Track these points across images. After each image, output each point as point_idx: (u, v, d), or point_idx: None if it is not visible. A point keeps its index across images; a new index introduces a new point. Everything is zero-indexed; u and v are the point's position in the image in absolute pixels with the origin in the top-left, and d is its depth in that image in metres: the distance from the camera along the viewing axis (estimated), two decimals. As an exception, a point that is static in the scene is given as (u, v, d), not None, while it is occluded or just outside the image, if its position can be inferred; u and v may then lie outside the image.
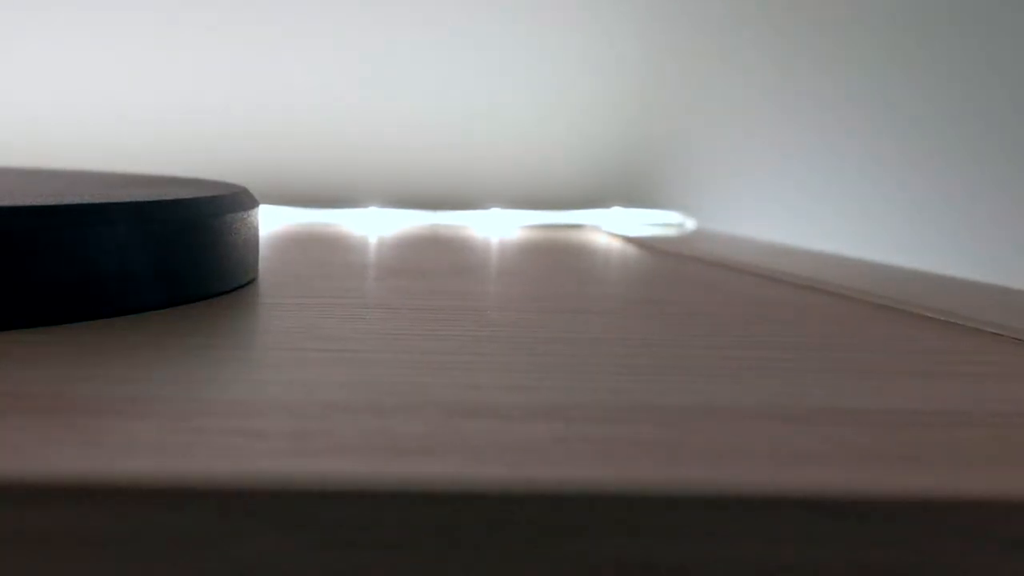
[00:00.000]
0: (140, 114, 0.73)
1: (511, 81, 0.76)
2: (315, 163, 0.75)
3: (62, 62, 0.73)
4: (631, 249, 0.58)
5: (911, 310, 0.36)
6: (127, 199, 0.31)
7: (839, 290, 0.40)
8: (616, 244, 0.62)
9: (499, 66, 0.76)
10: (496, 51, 0.76)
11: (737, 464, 0.18)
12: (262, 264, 0.45)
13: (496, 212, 0.72)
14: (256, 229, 0.38)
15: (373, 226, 0.68)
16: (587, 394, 0.22)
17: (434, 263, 0.48)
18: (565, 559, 0.16)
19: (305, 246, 0.56)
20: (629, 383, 0.24)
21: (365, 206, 0.72)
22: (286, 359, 0.24)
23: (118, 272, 0.29)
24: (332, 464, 0.17)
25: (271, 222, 0.68)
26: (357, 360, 0.24)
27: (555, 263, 0.51)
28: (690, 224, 0.74)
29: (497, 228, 0.70)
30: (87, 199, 0.30)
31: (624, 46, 0.77)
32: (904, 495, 0.17)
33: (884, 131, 0.80)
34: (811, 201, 0.80)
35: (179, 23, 0.74)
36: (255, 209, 0.38)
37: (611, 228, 0.71)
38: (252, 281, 0.38)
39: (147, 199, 0.31)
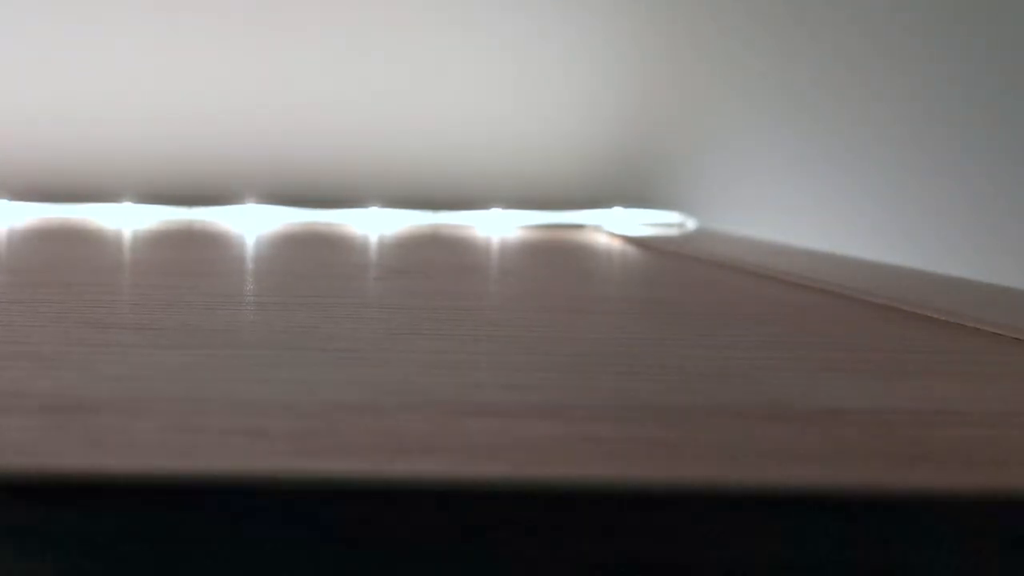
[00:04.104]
0: (140, 114, 0.73)
1: (511, 82, 0.76)
2: (315, 163, 0.75)
3: (61, 62, 0.73)
4: (631, 249, 0.58)
5: (911, 310, 0.36)
6: None
7: (839, 290, 0.40)
8: (616, 244, 0.62)
9: (499, 66, 0.76)
10: (497, 52, 0.76)
11: (737, 464, 0.18)
12: (264, 264, 0.45)
13: (497, 212, 0.72)
14: None
15: (373, 226, 0.68)
16: (587, 394, 0.22)
17: (435, 263, 0.48)
18: (565, 558, 0.16)
19: (305, 246, 0.56)
20: (629, 383, 0.24)
21: (366, 206, 0.72)
22: (286, 359, 0.24)
23: None
24: (333, 464, 0.17)
25: (271, 222, 0.68)
26: (357, 360, 0.24)
27: (555, 263, 0.51)
28: (690, 224, 0.74)
29: (498, 228, 0.70)
30: None
31: (625, 47, 0.77)
32: (904, 495, 0.17)
33: (884, 132, 0.80)
34: (811, 201, 0.80)
35: (179, 23, 0.74)
36: None
37: (612, 228, 0.71)
38: None
39: None
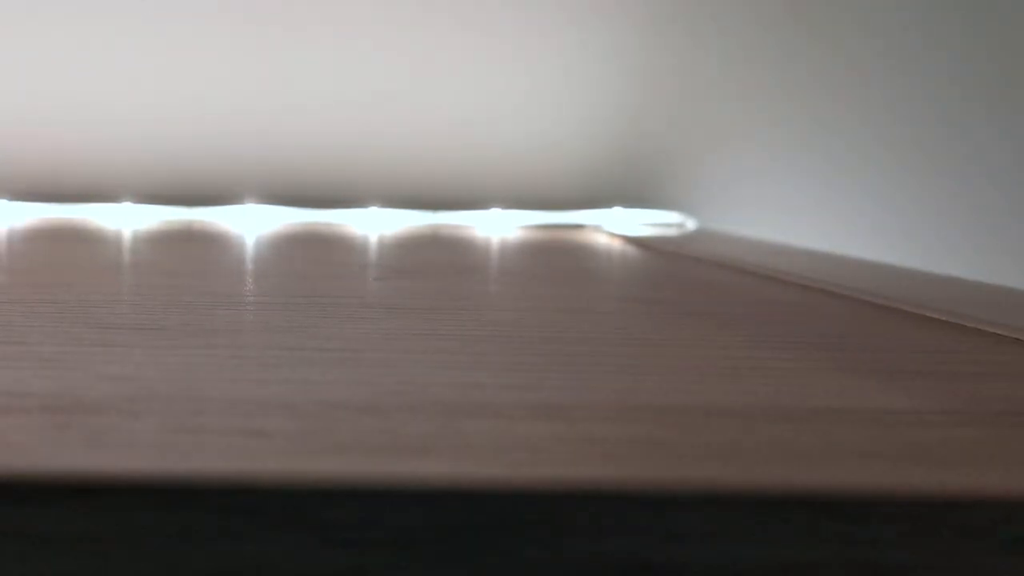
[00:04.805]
0: (140, 114, 0.73)
1: (512, 82, 0.76)
2: (315, 163, 0.75)
3: (61, 62, 0.73)
4: (631, 249, 0.58)
5: (911, 310, 0.36)
6: None
7: (839, 290, 0.40)
8: (616, 244, 0.62)
9: (500, 67, 0.76)
10: (497, 52, 0.76)
11: (737, 464, 0.18)
12: (264, 264, 0.45)
13: (496, 212, 0.72)
14: None
15: (373, 226, 0.68)
16: (587, 394, 0.22)
17: (435, 263, 0.48)
18: (565, 559, 0.16)
19: (305, 246, 0.56)
20: (629, 383, 0.24)
21: (366, 206, 0.72)
22: (286, 359, 0.24)
23: None
24: (332, 464, 0.17)
25: (271, 222, 0.68)
26: (357, 360, 0.24)
27: (555, 263, 0.51)
28: (690, 224, 0.74)
29: (497, 228, 0.70)
30: None
31: (625, 47, 0.77)
32: (904, 495, 0.17)
33: (884, 132, 0.80)
34: (811, 201, 0.80)
35: (179, 23, 0.74)
36: None
37: (611, 228, 0.71)
38: None
39: None
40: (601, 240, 0.65)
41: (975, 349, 0.30)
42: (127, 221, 0.67)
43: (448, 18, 0.75)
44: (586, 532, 0.16)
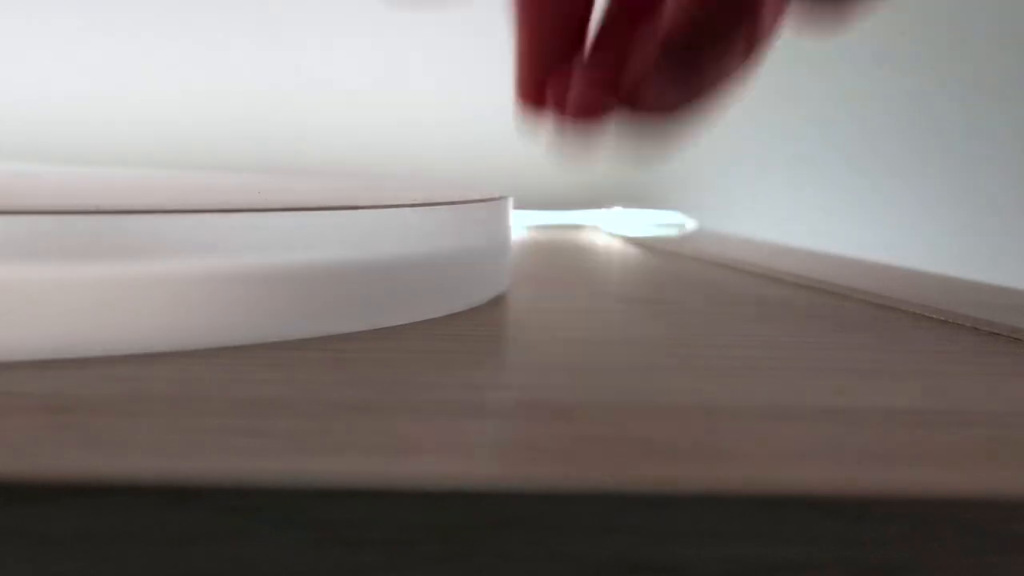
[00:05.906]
0: (140, 114, 0.73)
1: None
2: (316, 163, 0.75)
3: (72, 59, 0.73)
4: (631, 249, 0.58)
5: (911, 310, 0.36)
6: None
7: (839, 290, 0.40)
8: (616, 244, 0.62)
9: (500, 66, 0.76)
10: (498, 51, 0.76)
11: (737, 464, 0.18)
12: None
13: (496, 212, 0.72)
14: None
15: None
16: (587, 394, 0.22)
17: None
18: (564, 559, 0.16)
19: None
20: (629, 383, 0.24)
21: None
22: (287, 358, 0.24)
23: None
24: (332, 464, 0.17)
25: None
26: (358, 359, 0.24)
27: (555, 263, 0.51)
28: (690, 224, 0.74)
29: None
30: None
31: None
32: (904, 495, 0.17)
33: (884, 132, 0.80)
34: (810, 201, 0.80)
35: (179, 24, 0.74)
36: None
37: (611, 228, 0.71)
38: None
39: None
40: (601, 240, 0.65)
41: (974, 349, 0.30)
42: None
43: (448, 18, 0.75)
44: (586, 532, 0.16)
